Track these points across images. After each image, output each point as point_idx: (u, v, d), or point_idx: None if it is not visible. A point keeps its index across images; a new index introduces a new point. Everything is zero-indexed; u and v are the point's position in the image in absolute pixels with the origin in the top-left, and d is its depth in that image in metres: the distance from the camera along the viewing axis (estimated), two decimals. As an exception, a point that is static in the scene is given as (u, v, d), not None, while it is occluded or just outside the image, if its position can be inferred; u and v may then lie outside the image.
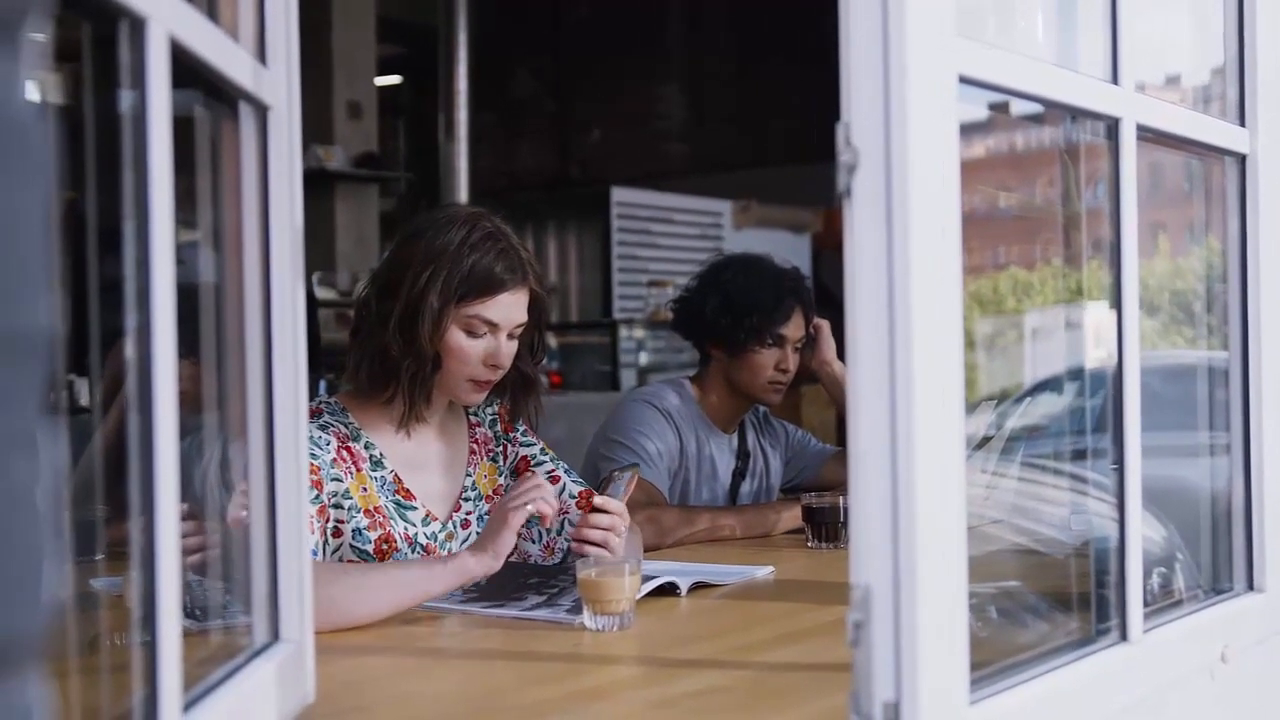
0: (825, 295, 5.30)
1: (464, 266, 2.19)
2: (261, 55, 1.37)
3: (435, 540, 2.28)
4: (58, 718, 0.61)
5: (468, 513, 2.36)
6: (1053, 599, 1.77)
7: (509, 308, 2.24)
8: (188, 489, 1.10)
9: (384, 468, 2.26)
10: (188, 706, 1.11)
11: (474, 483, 2.39)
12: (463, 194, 8.53)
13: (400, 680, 1.71)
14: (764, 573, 2.39)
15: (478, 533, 2.32)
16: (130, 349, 1.03)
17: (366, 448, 2.26)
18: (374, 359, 2.23)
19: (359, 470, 2.22)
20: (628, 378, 7.43)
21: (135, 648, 1.09)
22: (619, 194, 8.21)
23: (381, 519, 2.21)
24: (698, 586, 2.22)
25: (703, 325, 3.11)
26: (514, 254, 2.25)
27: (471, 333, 2.22)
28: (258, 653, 1.36)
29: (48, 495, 0.57)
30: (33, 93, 0.58)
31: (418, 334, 2.19)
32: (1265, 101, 1.84)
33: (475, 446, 2.41)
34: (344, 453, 2.21)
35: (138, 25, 1.01)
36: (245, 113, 1.36)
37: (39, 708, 0.57)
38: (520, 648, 1.83)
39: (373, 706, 1.59)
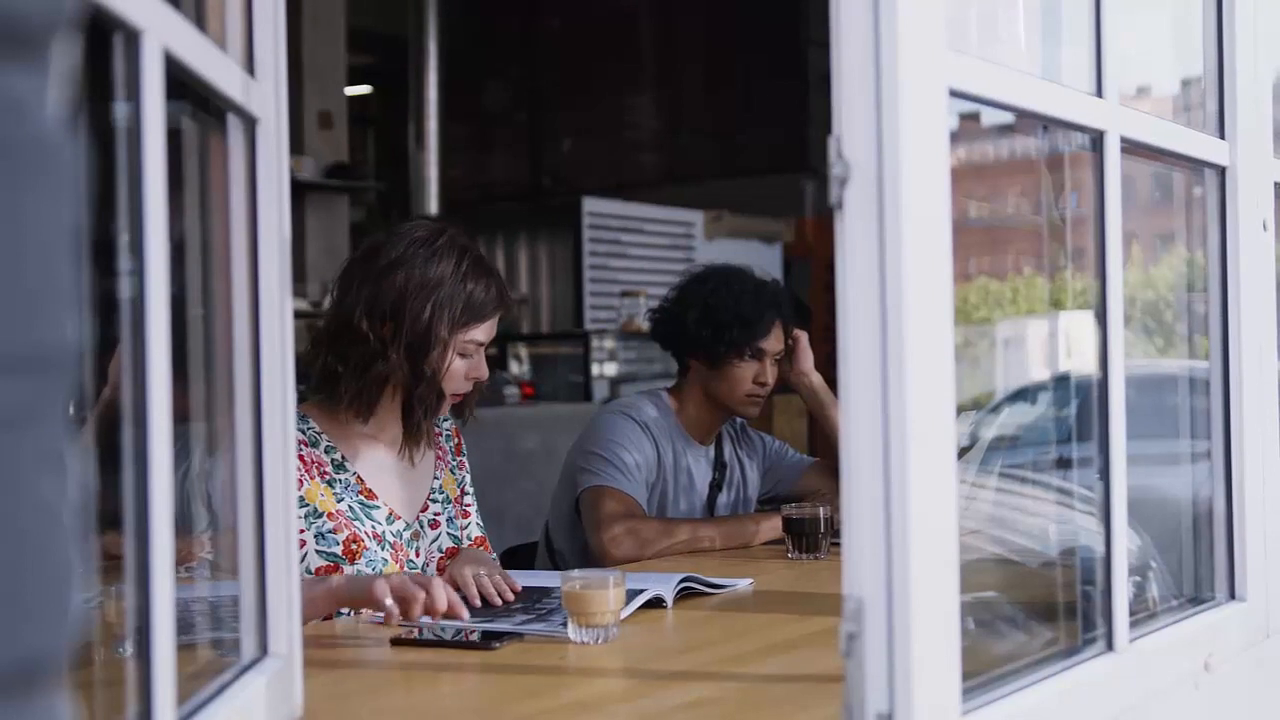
0: (798, 305, 5.30)
1: (464, 297, 2.30)
2: (250, 67, 1.37)
3: (401, 539, 2.34)
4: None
5: (435, 513, 2.43)
6: (1035, 609, 1.78)
7: (494, 326, 2.37)
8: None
9: (347, 470, 2.31)
10: (181, 723, 1.10)
11: (441, 485, 2.46)
12: (433, 205, 8.51)
13: (387, 695, 1.70)
14: (744, 584, 2.39)
15: (448, 533, 2.43)
16: (124, 362, 1.03)
17: (327, 452, 2.31)
18: (376, 385, 2.28)
19: (314, 478, 2.27)
20: (600, 389, 7.42)
21: (120, 662, 1.08)
22: (590, 204, 8.20)
23: (345, 520, 2.26)
24: (684, 594, 2.22)
25: (682, 336, 3.10)
26: (498, 276, 2.38)
27: (463, 355, 2.33)
28: (247, 668, 1.35)
29: (74, 512, 0.57)
30: (61, 109, 0.57)
31: (426, 365, 2.27)
32: (1244, 114, 1.86)
33: (440, 452, 2.49)
34: (297, 460, 2.22)
35: (132, 38, 1.01)
36: (233, 125, 1.35)
37: None
38: (506, 661, 1.82)
39: (360, 721, 1.58)
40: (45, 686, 0.54)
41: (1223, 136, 1.86)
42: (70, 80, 0.60)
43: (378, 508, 2.32)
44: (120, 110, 1.04)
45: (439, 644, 1.89)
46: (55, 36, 0.57)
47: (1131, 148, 1.62)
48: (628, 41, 9.99)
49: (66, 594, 0.56)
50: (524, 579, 2.30)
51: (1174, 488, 2.04)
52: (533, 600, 2.17)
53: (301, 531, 2.21)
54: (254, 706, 1.30)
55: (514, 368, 7.50)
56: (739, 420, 3.25)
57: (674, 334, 3.14)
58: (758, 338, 3.04)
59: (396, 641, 1.91)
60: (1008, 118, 1.61)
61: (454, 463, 2.52)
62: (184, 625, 1.44)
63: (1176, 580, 1.94)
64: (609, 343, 7.63)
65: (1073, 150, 1.69)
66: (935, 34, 1.23)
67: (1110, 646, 1.55)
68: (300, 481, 2.23)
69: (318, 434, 2.31)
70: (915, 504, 1.18)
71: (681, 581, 2.22)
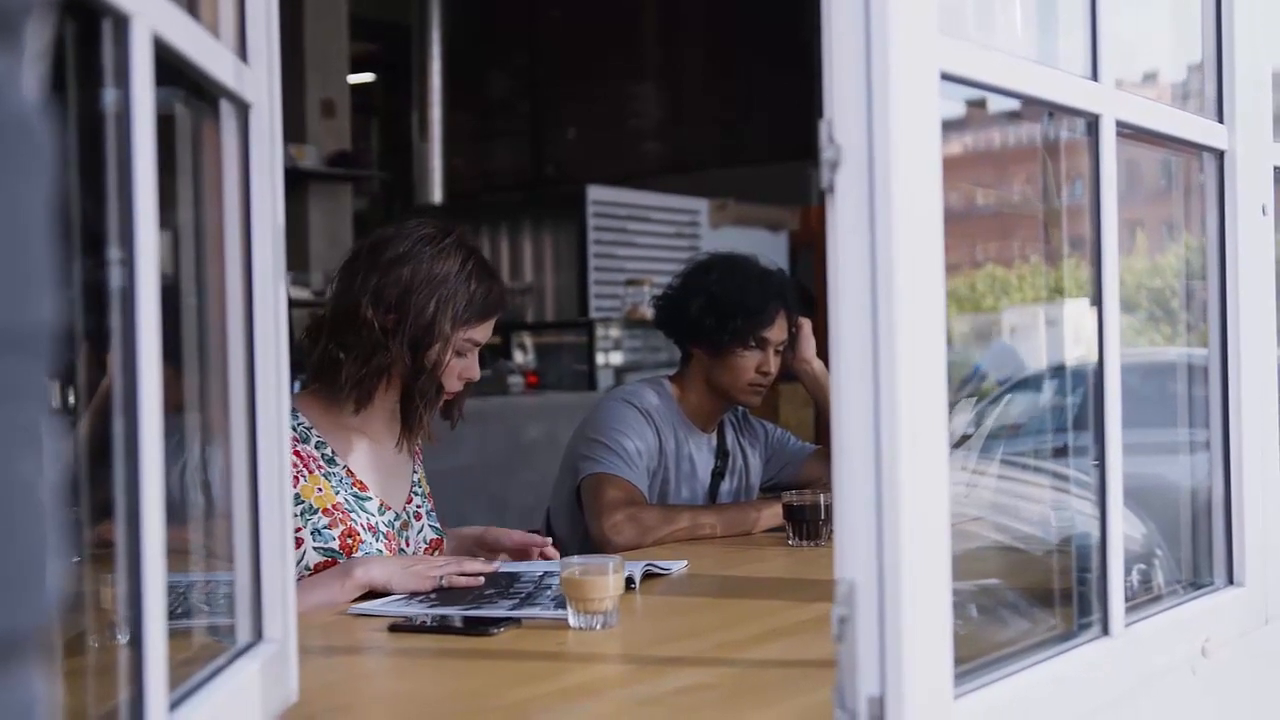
0: (802, 294, 5.31)
1: (468, 295, 2.33)
2: (243, 53, 1.37)
3: (393, 528, 2.38)
4: (55, 714, 0.61)
5: (418, 506, 2.49)
6: (1034, 595, 1.78)
7: (491, 328, 2.41)
8: (166, 490, 1.10)
9: (337, 464, 2.34)
10: (173, 706, 1.10)
11: (419, 480, 2.51)
12: (437, 194, 8.52)
13: (384, 680, 1.71)
14: (678, 567, 2.41)
15: (430, 525, 2.49)
16: (115, 351, 1.03)
17: (318, 447, 2.34)
18: (376, 375, 2.31)
19: (311, 472, 2.30)
20: (605, 377, 7.42)
21: (116, 648, 1.09)
22: (595, 193, 8.19)
23: (341, 515, 2.30)
24: (649, 576, 2.27)
25: (686, 324, 3.10)
26: (499, 280, 2.41)
27: (459, 353, 2.36)
28: (241, 652, 1.35)
29: (51, 490, 0.57)
30: (34, 90, 0.58)
31: (426, 358, 2.31)
32: (1243, 98, 1.85)
33: (417, 450, 2.54)
34: (293, 456, 2.24)
35: (121, 23, 1.01)
36: (226, 111, 1.35)
37: (42, 702, 0.57)
38: (503, 647, 1.82)
39: (355, 706, 1.59)
40: (20, 661, 0.55)
41: (1221, 120, 1.86)
42: (44, 62, 0.60)
43: (369, 499, 2.36)
44: (110, 97, 1.04)
45: (436, 630, 1.90)
46: (29, 18, 0.57)
47: (1128, 132, 1.62)
48: (630, 29, 9.99)
49: (42, 571, 0.56)
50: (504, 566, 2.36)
51: (1179, 475, 2.04)
52: (505, 585, 2.17)
53: (299, 530, 2.22)
54: (248, 691, 1.31)
55: (518, 357, 7.51)
56: (741, 408, 3.25)
57: (677, 322, 3.14)
58: (761, 327, 3.04)
59: (394, 628, 1.92)
60: (1014, 104, 1.61)
61: (422, 461, 2.58)
62: (188, 610, 1.44)
63: (1179, 566, 1.94)
64: (614, 331, 7.63)
65: (1078, 137, 1.69)
66: (927, 17, 1.23)
67: (1106, 631, 1.55)
68: (297, 479, 2.24)
69: (307, 429, 2.34)
70: (906, 487, 1.18)
71: (645, 572, 2.27)
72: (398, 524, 2.40)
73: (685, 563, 2.45)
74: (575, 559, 1.99)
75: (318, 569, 2.23)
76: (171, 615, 1.14)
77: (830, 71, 1.20)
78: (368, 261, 2.33)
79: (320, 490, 2.29)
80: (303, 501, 2.25)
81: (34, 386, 0.57)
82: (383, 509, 2.37)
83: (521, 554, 2.47)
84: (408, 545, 2.40)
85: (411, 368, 2.31)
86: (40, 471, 0.56)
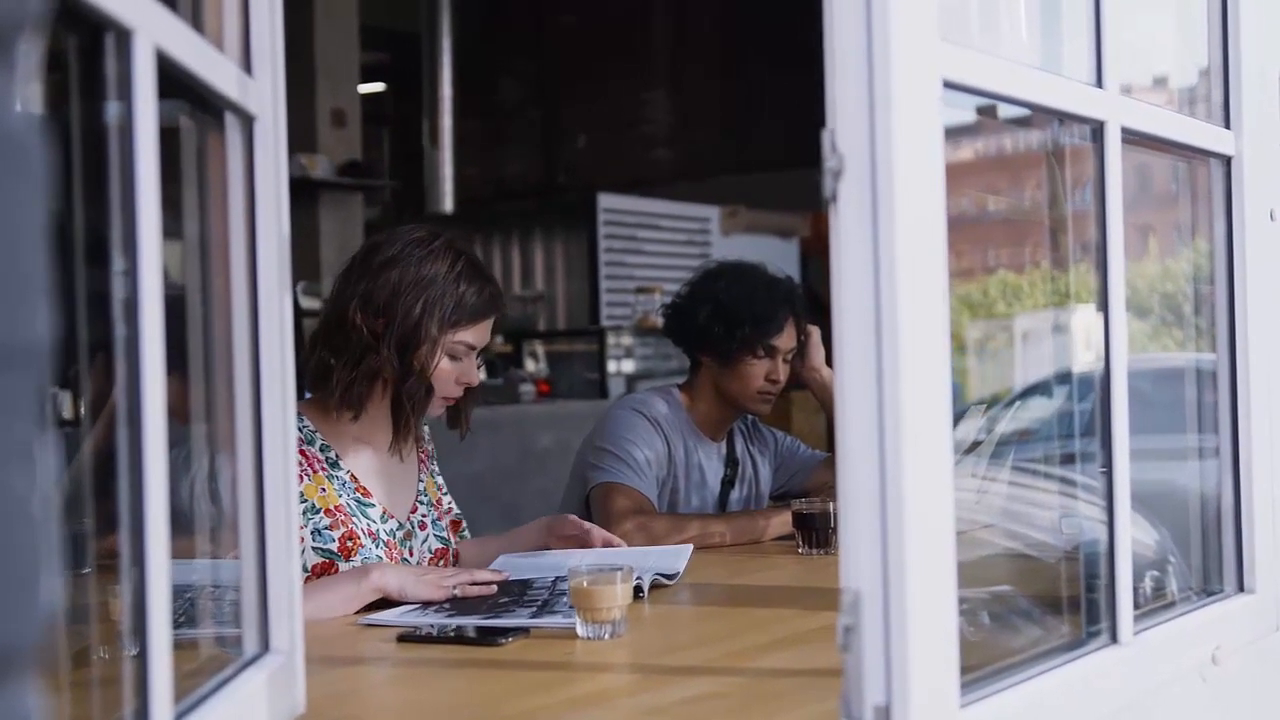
0: (813, 301, 5.30)
1: (456, 297, 2.32)
2: (247, 65, 1.37)
3: (394, 537, 2.38)
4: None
5: (423, 515, 2.48)
6: (1044, 602, 1.77)
7: (487, 332, 2.40)
8: (175, 502, 1.10)
9: (341, 469, 2.35)
10: (179, 717, 1.10)
11: (424, 489, 2.51)
12: (448, 202, 8.52)
13: (391, 691, 1.71)
14: (685, 555, 2.44)
15: (435, 535, 2.47)
16: (119, 362, 1.03)
17: (322, 450, 2.34)
18: (366, 379, 2.31)
19: (315, 473, 2.31)
20: (615, 385, 7.42)
21: (124, 660, 1.09)
22: (605, 200, 8.20)
23: (343, 517, 2.30)
24: (656, 587, 2.26)
25: (694, 333, 3.10)
26: (493, 282, 2.40)
27: (453, 356, 2.35)
28: (248, 663, 1.36)
29: (44, 505, 0.58)
30: (28, 105, 0.58)
31: (415, 360, 2.30)
32: (1250, 103, 1.85)
33: (423, 457, 2.54)
34: (297, 456, 2.26)
35: (124, 37, 1.01)
36: (231, 123, 1.36)
37: (36, 716, 0.57)
38: (512, 657, 1.82)
39: (363, 717, 1.59)
40: (15, 675, 0.55)
41: (1228, 126, 1.85)
42: (38, 77, 0.61)
43: (372, 505, 2.36)
44: (113, 110, 1.04)
45: (445, 640, 1.90)
46: (21, 35, 0.57)
47: (1134, 138, 1.61)
48: (641, 36, 9.99)
49: (35, 586, 0.56)
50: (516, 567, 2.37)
51: (1191, 481, 2.03)
52: (519, 594, 2.17)
53: (300, 528, 2.23)
54: (255, 703, 1.31)
55: (530, 365, 7.50)
56: (750, 416, 3.25)
57: (686, 330, 3.13)
58: (770, 335, 3.03)
59: (402, 638, 1.92)
60: (1025, 110, 1.60)
61: (433, 468, 2.57)
62: (193, 618, 1.45)
63: (1191, 573, 1.94)
64: (625, 339, 7.63)
65: (1087, 142, 1.68)
66: (928, 25, 1.23)
67: (1114, 639, 1.54)
68: (301, 477, 2.25)
69: (313, 432, 2.34)
70: (911, 496, 1.18)
71: (653, 582, 2.25)
72: (400, 533, 2.39)
73: (690, 547, 2.47)
74: (583, 568, 1.99)
75: (316, 570, 2.24)
76: (177, 624, 1.15)
77: (833, 80, 1.20)
78: (360, 268, 2.35)
79: (324, 490, 2.29)
80: (305, 500, 2.26)
81: (28, 401, 0.57)
82: (385, 517, 2.37)
83: (581, 543, 2.50)
84: (411, 555, 2.40)
85: (400, 370, 2.30)
86: (34, 486, 0.56)
